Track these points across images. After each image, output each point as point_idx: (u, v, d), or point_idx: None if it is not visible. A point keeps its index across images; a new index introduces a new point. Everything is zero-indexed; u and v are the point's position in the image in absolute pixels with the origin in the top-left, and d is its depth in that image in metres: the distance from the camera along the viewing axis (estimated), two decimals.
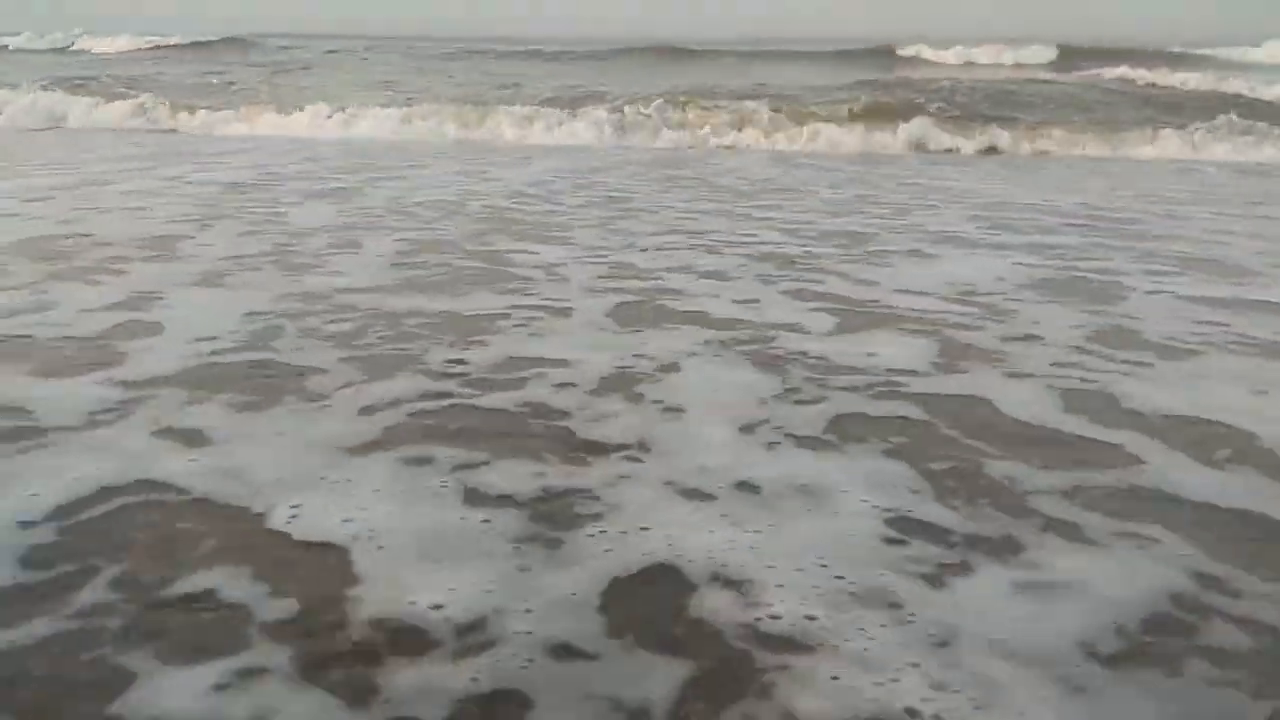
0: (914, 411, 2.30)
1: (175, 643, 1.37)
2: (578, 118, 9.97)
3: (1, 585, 1.51)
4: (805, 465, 1.98)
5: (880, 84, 11.37)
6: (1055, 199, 6.05)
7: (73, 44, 26.49)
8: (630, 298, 3.33)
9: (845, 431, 2.17)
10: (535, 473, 1.93)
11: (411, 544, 1.64)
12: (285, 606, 1.46)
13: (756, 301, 3.32)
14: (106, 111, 10.72)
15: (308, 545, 1.65)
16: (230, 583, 1.52)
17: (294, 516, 1.73)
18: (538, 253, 4.04)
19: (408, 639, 1.38)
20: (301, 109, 10.47)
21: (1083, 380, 2.55)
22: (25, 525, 1.68)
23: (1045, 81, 13.56)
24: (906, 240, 4.52)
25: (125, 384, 2.36)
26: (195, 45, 24.93)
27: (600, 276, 3.64)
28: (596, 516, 1.75)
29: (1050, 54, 22.62)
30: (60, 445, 2.02)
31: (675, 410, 2.28)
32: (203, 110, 10.63)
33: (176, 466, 1.92)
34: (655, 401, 2.34)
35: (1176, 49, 23.96)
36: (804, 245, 4.35)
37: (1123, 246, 4.46)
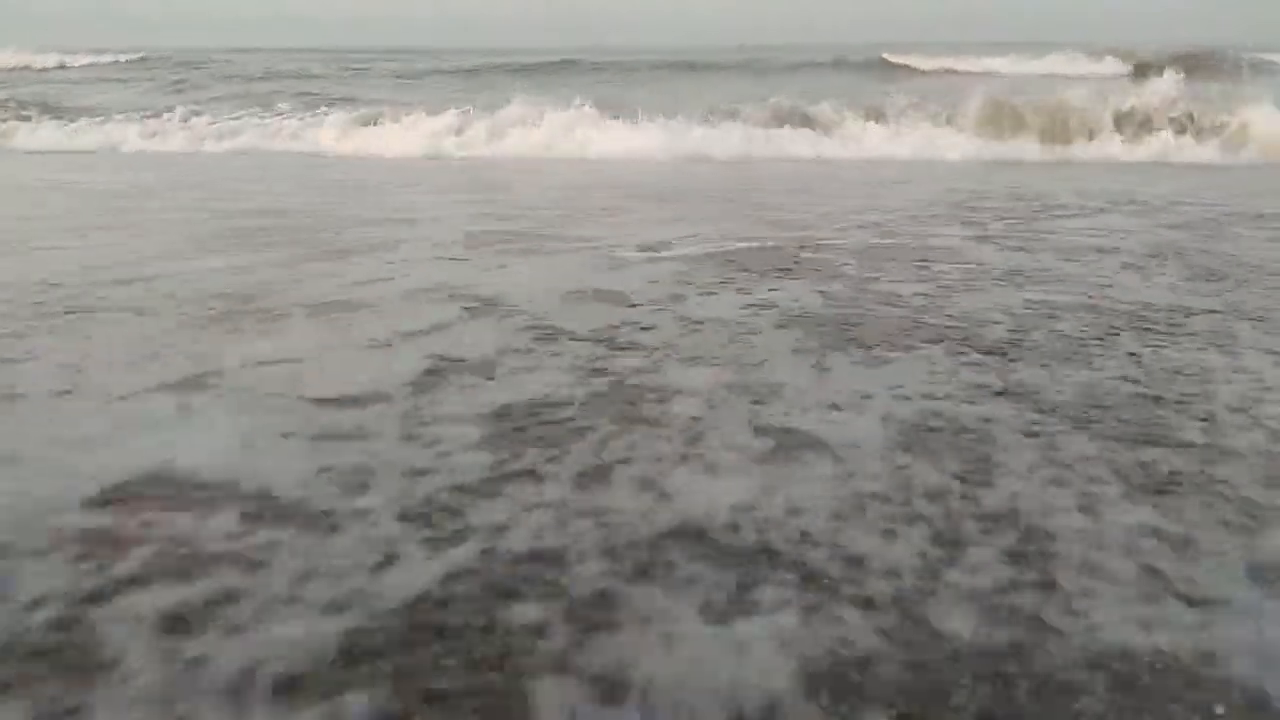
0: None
1: None
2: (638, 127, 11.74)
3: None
4: None
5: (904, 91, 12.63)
6: (1143, 188, 7.41)
7: None
8: (874, 242, 5.07)
9: None
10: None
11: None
12: None
13: (980, 244, 4.95)
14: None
15: None
16: None
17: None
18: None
19: None
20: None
21: None
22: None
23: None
24: (1038, 210, 6.04)
25: (685, 259, 4.26)
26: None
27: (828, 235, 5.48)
28: None
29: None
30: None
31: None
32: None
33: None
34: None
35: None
36: (958, 209, 6.03)
37: (1233, 212, 6.04)
